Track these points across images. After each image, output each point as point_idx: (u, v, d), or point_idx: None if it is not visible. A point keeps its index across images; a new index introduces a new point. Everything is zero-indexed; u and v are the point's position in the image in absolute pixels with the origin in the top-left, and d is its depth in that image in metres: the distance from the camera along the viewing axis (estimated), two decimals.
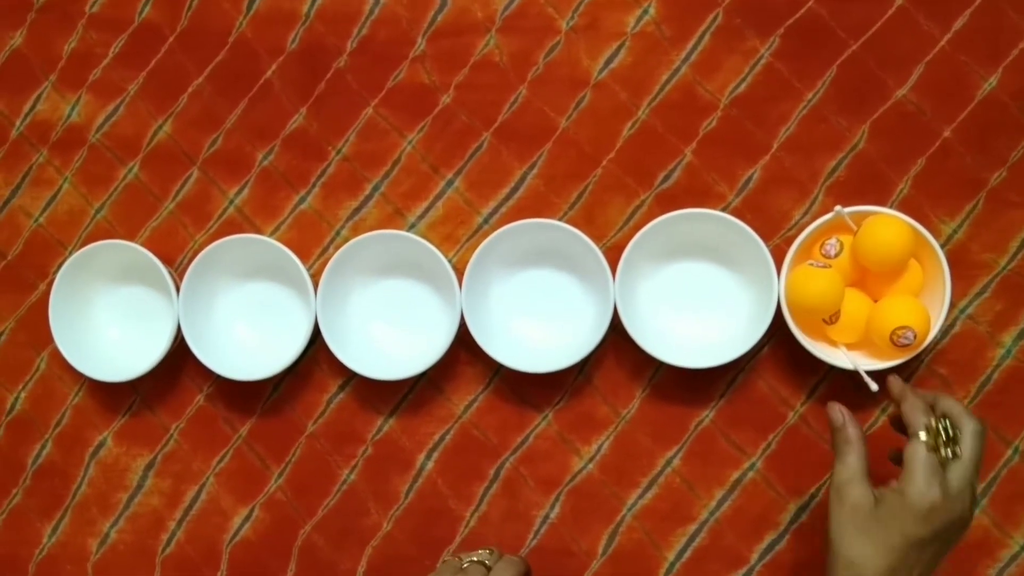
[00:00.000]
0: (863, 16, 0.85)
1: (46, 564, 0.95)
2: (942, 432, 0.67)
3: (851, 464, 0.69)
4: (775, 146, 0.86)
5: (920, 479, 0.65)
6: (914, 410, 0.69)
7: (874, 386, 0.76)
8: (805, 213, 0.85)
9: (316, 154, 0.92)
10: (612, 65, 0.88)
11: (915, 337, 0.75)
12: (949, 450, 0.66)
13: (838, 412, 0.72)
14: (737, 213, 0.82)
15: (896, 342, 0.75)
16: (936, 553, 0.66)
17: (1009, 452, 0.82)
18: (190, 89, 0.94)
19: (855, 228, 0.78)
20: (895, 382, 0.73)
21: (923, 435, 0.67)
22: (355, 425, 0.90)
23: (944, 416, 0.68)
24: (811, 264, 0.78)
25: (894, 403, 0.72)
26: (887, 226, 0.76)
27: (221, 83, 0.93)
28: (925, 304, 0.79)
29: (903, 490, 0.66)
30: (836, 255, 0.78)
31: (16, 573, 0.95)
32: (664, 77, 0.87)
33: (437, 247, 0.84)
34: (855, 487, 0.68)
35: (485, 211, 0.89)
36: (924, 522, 0.64)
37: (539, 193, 0.89)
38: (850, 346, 0.81)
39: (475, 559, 0.75)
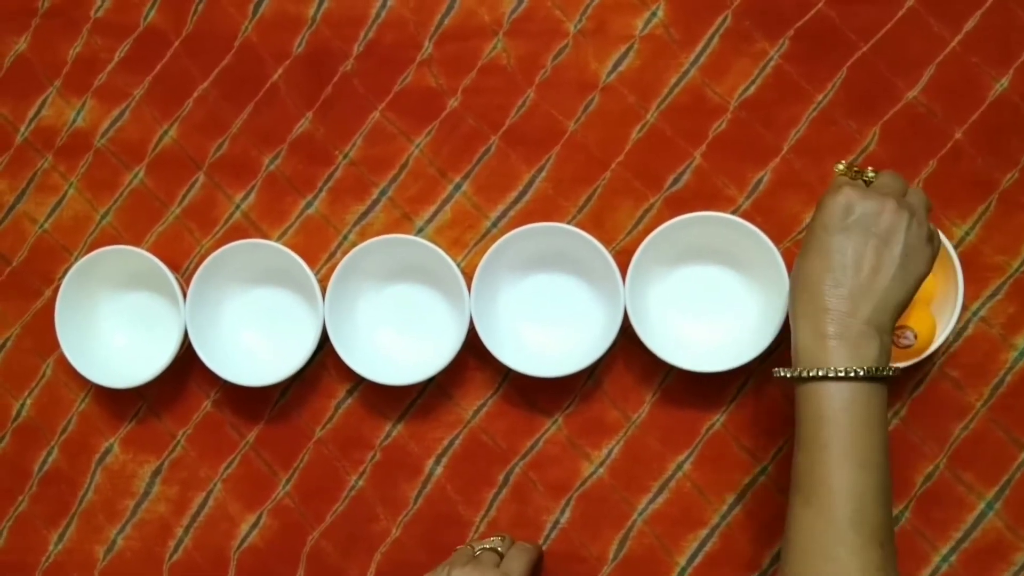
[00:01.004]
0: (873, 18, 0.85)
1: (53, 571, 0.94)
2: (859, 170, 0.71)
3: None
4: (785, 149, 0.85)
5: (831, 189, 0.67)
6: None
7: (905, 343, 0.76)
8: None
9: (323, 159, 0.91)
10: (620, 68, 0.88)
11: (915, 338, 0.75)
12: (863, 179, 0.71)
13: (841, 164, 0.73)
14: (747, 216, 0.82)
15: (896, 343, 0.75)
16: (878, 251, 0.65)
17: (1023, 455, 0.82)
18: (195, 94, 0.93)
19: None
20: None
21: (842, 165, 0.72)
22: (363, 431, 0.90)
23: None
24: None
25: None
26: None
27: (227, 88, 0.93)
28: (937, 306, 0.79)
29: (820, 202, 0.67)
30: None
31: None
32: (673, 80, 0.87)
33: (445, 252, 0.84)
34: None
35: (493, 215, 0.89)
36: (840, 209, 0.66)
37: (547, 197, 0.88)
38: None
39: (487, 547, 0.75)
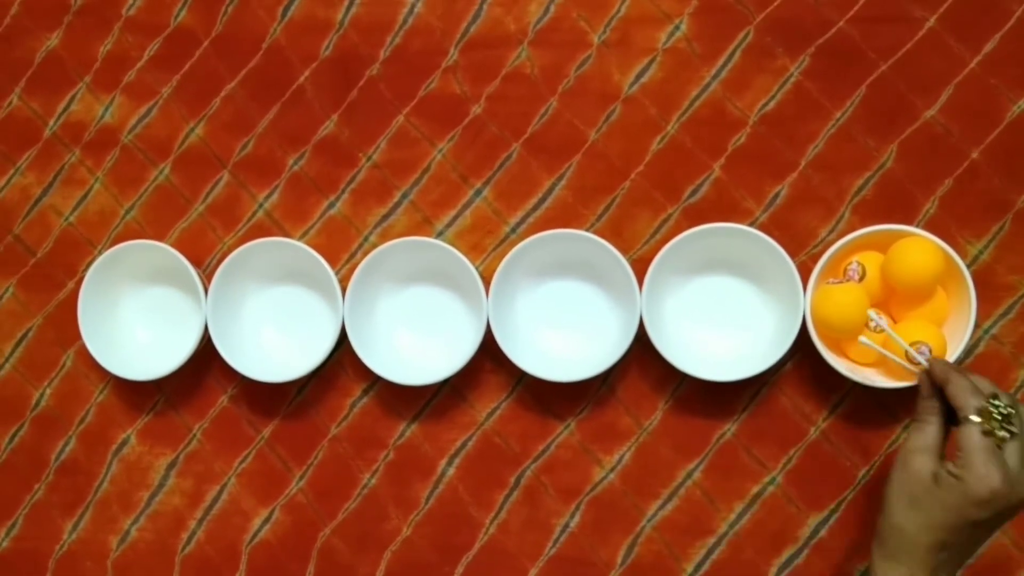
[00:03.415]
0: (893, 37, 0.86)
1: (66, 560, 0.95)
2: (995, 412, 0.65)
3: (927, 433, 0.68)
4: (803, 164, 0.86)
5: (979, 464, 0.64)
6: (963, 391, 0.67)
7: (920, 359, 0.74)
8: (831, 231, 0.85)
9: (347, 161, 0.93)
10: (643, 80, 0.89)
11: (930, 353, 0.75)
12: (1005, 431, 0.65)
13: (928, 382, 0.70)
14: (764, 229, 0.83)
15: (911, 359, 0.75)
16: (990, 531, 0.66)
17: None
18: (223, 93, 0.95)
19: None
20: (938, 362, 0.72)
21: (976, 417, 0.65)
22: (378, 430, 0.91)
23: (995, 396, 0.66)
24: (830, 282, 0.79)
25: (935, 384, 0.70)
26: (919, 248, 0.76)
27: (254, 88, 0.95)
28: (950, 324, 0.79)
29: (961, 476, 0.64)
30: (860, 279, 0.79)
31: (37, 568, 0.96)
32: (694, 93, 0.88)
33: (465, 255, 0.85)
34: (922, 456, 0.67)
35: (513, 221, 0.90)
36: (984, 506, 0.63)
37: (567, 204, 0.89)
38: (869, 366, 0.81)
39: None
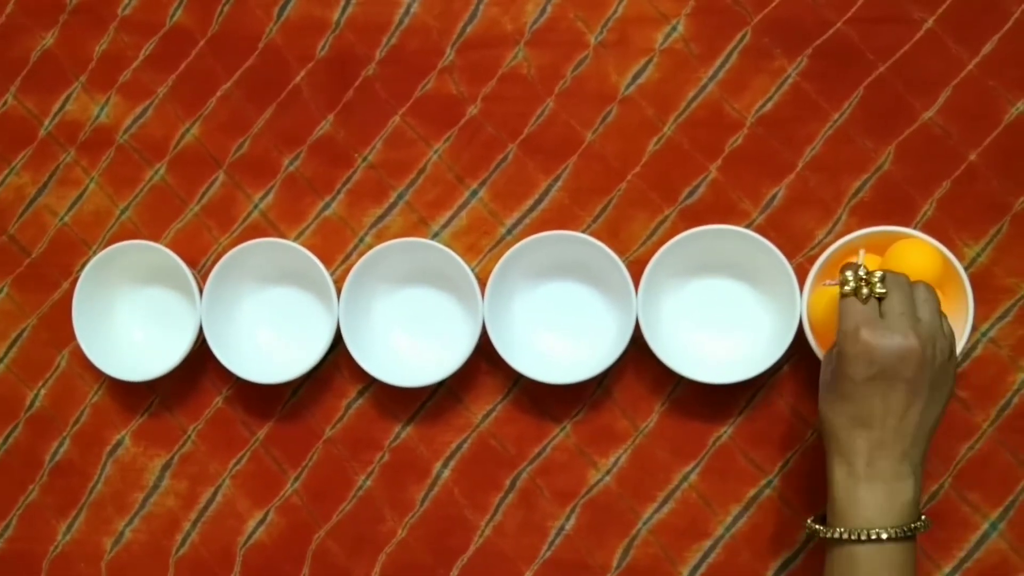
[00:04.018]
0: (891, 38, 0.85)
1: (60, 562, 0.95)
2: (863, 277, 0.68)
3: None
4: (800, 165, 0.86)
5: (845, 320, 0.67)
6: (843, 269, 0.70)
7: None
8: (829, 233, 0.85)
9: (342, 161, 0.92)
10: (639, 81, 0.88)
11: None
12: (868, 290, 0.68)
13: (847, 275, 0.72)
14: (761, 231, 0.82)
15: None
16: (908, 397, 0.65)
17: None
18: (219, 93, 0.95)
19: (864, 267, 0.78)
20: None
21: (843, 284, 0.69)
22: (373, 432, 0.91)
23: (864, 268, 0.69)
24: (827, 284, 0.78)
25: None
26: (917, 250, 0.76)
27: (250, 88, 0.94)
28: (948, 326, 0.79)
29: (838, 340, 0.67)
30: None
31: (30, 570, 0.95)
32: (691, 94, 0.88)
33: (460, 256, 0.84)
34: (827, 354, 0.72)
35: (509, 222, 0.90)
36: (862, 361, 0.65)
37: (563, 206, 0.89)
38: None
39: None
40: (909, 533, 0.65)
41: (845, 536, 0.66)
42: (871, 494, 0.66)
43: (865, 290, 0.68)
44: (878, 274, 0.69)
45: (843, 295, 0.69)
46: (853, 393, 0.66)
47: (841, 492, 0.67)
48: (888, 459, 0.66)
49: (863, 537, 0.65)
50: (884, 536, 0.65)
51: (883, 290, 0.68)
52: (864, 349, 0.65)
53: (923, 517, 0.67)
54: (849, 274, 0.69)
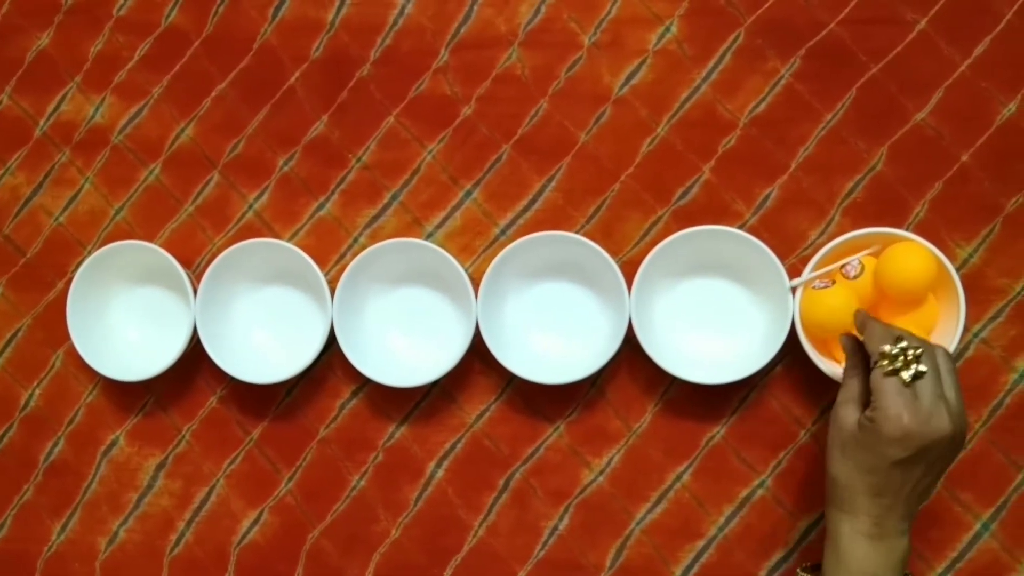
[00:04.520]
0: (884, 40, 0.86)
1: (54, 561, 0.95)
2: (900, 353, 0.67)
3: (850, 386, 0.72)
4: (793, 166, 0.86)
5: (887, 404, 0.66)
6: (872, 338, 0.70)
7: (851, 271, 0.78)
8: (821, 233, 0.85)
9: (337, 161, 0.92)
10: (633, 81, 0.89)
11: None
12: (912, 370, 0.66)
13: (850, 339, 0.74)
14: (754, 231, 0.83)
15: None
16: (926, 471, 0.67)
17: (1020, 476, 0.82)
18: (213, 94, 0.95)
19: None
20: (860, 314, 0.75)
21: (883, 360, 0.68)
22: (367, 432, 0.91)
23: (901, 339, 0.68)
24: (815, 286, 0.78)
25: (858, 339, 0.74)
26: (912, 253, 0.76)
27: (244, 89, 0.94)
28: (939, 327, 0.79)
29: (874, 417, 0.67)
30: (856, 276, 0.78)
31: (25, 570, 0.95)
32: (684, 95, 0.88)
33: (454, 257, 0.84)
34: (847, 408, 0.70)
35: (503, 223, 0.90)
36: (899, 445, 0.65)
37: (557, 206, 0.89)
38: None
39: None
40: None
41: None
42: (873, 550, 0.68)
43: (908, 373, 0.66)
44: (913, 349, 0.67)
45: (884, 373, 0.67)
46: (877, 468, 0.67)
47: (844, 544, 0.69)
48: (893, 520, 0.68)
49: None
50: None
51: (924, 370, 0.66)
52: (904, 435, 0.65)
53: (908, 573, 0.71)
54: (888, 349, 0.68)
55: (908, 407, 0.65)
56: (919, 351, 0.67)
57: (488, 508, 0.89)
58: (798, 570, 0.73)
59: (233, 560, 0.92)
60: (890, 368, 0.67)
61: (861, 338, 0.72)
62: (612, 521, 0.87)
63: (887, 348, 0.68)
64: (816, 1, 0.86)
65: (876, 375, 0.68)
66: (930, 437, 0.65)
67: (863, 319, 0.73)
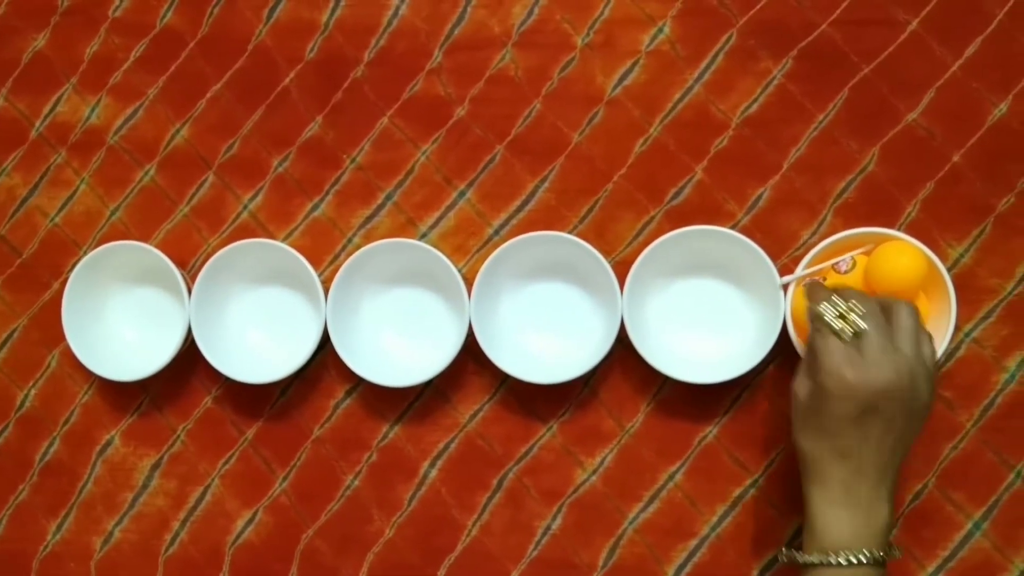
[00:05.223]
0: (876, 40, 0.86)
1: (50, 561, 0.95)
2: (836, 311, 0.68)
3: (804, 359, 0.73)
4: (785, 166, 0.86)
5: (827, 362, 0.67)
6: (811, 300, 0.71)
7: (843, 267, 0.77)
8: (813, 234, 0.85)
9: (331, 162, 0.93)
10: (626, 82, 0.89)
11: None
12: (848, 326, 0.68)
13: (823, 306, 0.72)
14: (746, 231, 0.83)
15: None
16: (886, 428, 0.66)
17: (1011, 476, 0.82)
18: (208, 95, 0.95)
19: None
20: (807, 284, 0.75)
21: (818, 321, 0.69)
22: (361, 431, 0.91)
23: (838, 300, 0.69)
24: (804, 285, 0.79)
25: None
26: (903, 253, 0.76)
27: (239, 90, 0.95)
28: (931, 327, 0.79)
29: (819, 379, 0.67)
30: (848, 271, 0.79)
31: (20, 569, 0.96)
32: (677, 95, 0.88)
33: (448, 257, 0.85)
34: (799, 379, 0.72)
35: (496, 223, 0.90)
36: (846, 400, 0.66)
37: (550, 207, 0.89)
38: None
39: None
40: (884, 557, 0.67)
41: (822, 560, 0.67)
42: (849, 519, 0.67)
43: (848, 330, 0.68)
44: (855, 307, 0.69)
45: (816, 328, 0.69)
46: (833, 428, 0.67)
47: (819, 516, 0.69)
48: (865, 486, 0.67)
49: (841, 561, 0.66)
50: (861, 559, 0.66)
51: (864, 327, 0.67)
52: (847, 388, 0.66)
53: (894, 547, 0.69)
54: (824, 308, 0.69)
55: (848, 362, 0.66)
56: (861, 311, 0.68)
57: (482, 508, 0.89)
58: (781, 549, 0.72)
59: (228, 560, 0.92)
60: (828, 328, 0.68)
61: None
62: (605, 520, 0.87)
63: (821, 308, 0.69)
64: (808, 2, 0.87)
65: (815, 337, 0.69)
66: (874, 388, 0.65)
67: (810, 287, 0.73)
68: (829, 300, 0.70)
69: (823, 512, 0.68)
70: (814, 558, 0.68)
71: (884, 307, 0.70)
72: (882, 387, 0.65)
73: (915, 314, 0.70)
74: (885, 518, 0.68)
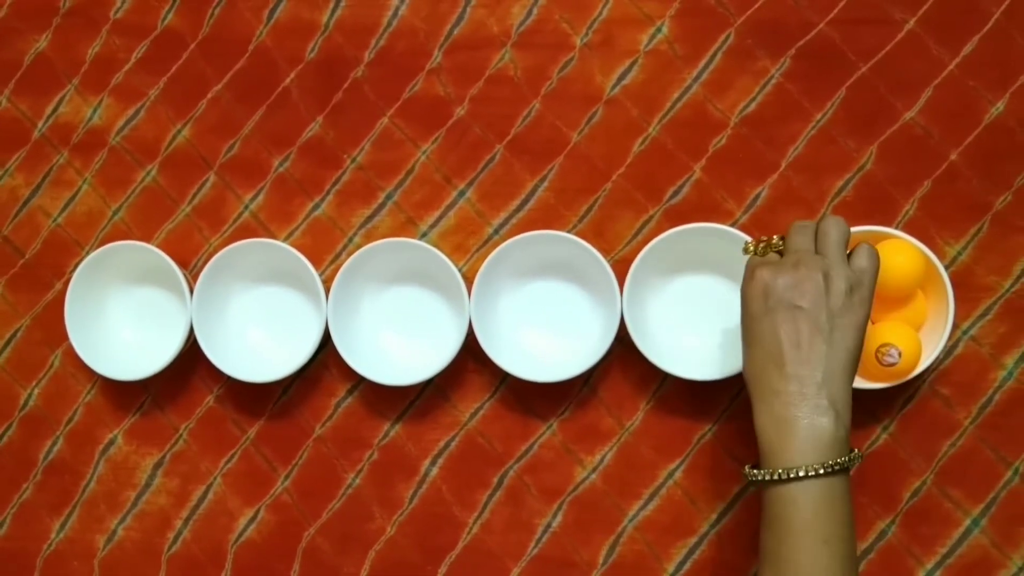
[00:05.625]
0: (873, 39, 0.86)
1: (53, 559, 0.96)
2: (764, 243, 0.72)
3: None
4: (783, 165, 0.87)
5: (746, 274, 0.70)
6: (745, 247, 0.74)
7: (890, 360, 0.76)
8: None
9: (331, 162, 0.93)
10: (624, 82, 0.89)
11: (899, 356, 0.75)
12: (770, 248, 0.72)
13: (748, 243, 0.75)
14: (744, 230, 0.83)
15: (880, 360, 0.76)
16: (808, 323, 0.66)
17: (1009, 473, 0.83)
18: (209, 95, 0.96)
19: None
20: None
21: (746, 252, 0.74)
22: (362, 430, 0.91)
23: (764, 237, 0.73)
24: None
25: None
26: (899, 250, 0.77)
27: (240, 90, 0.95)
28: (928, 325, 0.80)
29: (742, 292, 0.70)
30: None
31: (24, 567, 0.96)
32: (675, 95, 0.89)
33: (448, 256, 0.85)
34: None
35: (496, 222, 0.91)
36: (759, 297, 0.68)
37: (549, 206, 0.90)
38: None
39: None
40: (836, 468, 0.64)
41: (775, 476, 0.65)
42: (793, 432, 0.65)
43: (766, 248, 0.72)
44: (778, 243, 0.72)
45: (745, 251, 0.73)
46: (756, 330, 0.68)
47: (765, 434, 0.67)
48: (804, 395, 0.65)
49: (791, 476, 0.64)
50: (811, 473, 0.64)
51: (781, 244, 0.71)
52: (760, 284, 0.68)
53: (854, 451, 0.66)
54: (750, 241, 0.74)
55: (763, 263, 0.69)
56: (779, 243, 0.72)
57: (482, 506, 0.89)
58: (745, 467, 0.69)
59: (230, 558, 0.93)
60: (756, 251, 0.73)
61: None
62: (605, 518, 0.88)
63: (749, 241, 0.74)
64: (806, 1, 0.87)
65: (747, 260, 0.72)
66: (787, 281, 0.67)
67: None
68: (755, 239, 0.74)
69: (767, 428, 0.67)
70: (763, 475, 0.66)
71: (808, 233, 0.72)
72: (793, 279, 0.67)
73: (842, 227, 0.70)
74: (831, 429, 0.65)
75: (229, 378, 0.89)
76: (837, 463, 0.64)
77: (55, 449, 0.96)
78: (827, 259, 0.68)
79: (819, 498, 0.64)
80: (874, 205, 0.85)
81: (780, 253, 0.72)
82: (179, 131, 0.96)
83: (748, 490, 0.86)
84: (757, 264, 0.69)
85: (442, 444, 0.90)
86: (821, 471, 0.64)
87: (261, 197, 0.94)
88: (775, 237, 0.72)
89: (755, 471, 0.68)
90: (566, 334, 0.88)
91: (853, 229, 0.79)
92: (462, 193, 0.91)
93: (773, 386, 0.67)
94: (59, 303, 0.92)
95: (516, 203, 0.90)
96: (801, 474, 0.64)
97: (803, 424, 0.65)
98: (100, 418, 0.96)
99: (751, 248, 0.74)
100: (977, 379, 0.84)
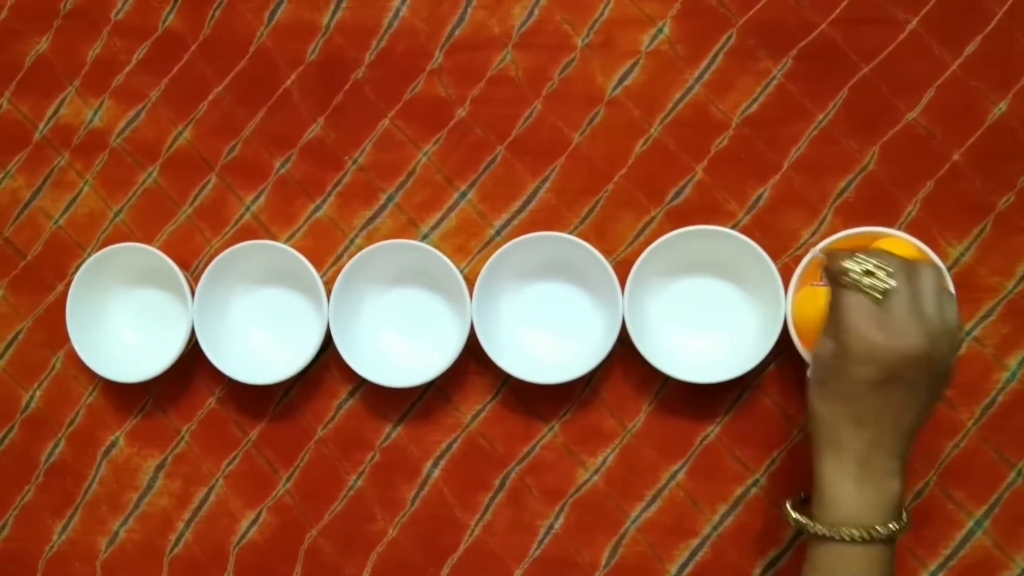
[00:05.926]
0: (875, 40, 0.86)
1: (55, 561, 0.96)
2: (863, 268, 0.64)
3: (827, 321, 0.68)
4: (785, 166, 0.87)
5: (851, 320, 0.63)
6: (834, 258, 0.65)
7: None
8: (814, 233, 0.86)
9: (333, 163, 0.93)
10: (626, 82, 0.89)
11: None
12: (877, 282, 0.63)
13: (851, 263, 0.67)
14: (746, 231, 0.83)
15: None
16: (907, 396, 0.63)
17: (1012, 475, 0.82)
18: (210, 97, 0.95)
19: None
20: (826, 250, 0.72)
21: (844, 277, 0.65)
22: (363, 432, 0.91)
23: (862, 257, 0.65)
24: (814, 284, 0.79)
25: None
26: (903, 252, 0.76)
27: (241, 92, 0.95)
28: None
29: (841, 339, 0.64)
30: None
31: (26, 569, 0.96)
32: (677, 95, 0.88)
33: (449, 258, 0.85)
34: (822, 340, 0.67)
35: (497, 223, 0.90)
36: (869, 364, 0.62)
37: (551, 207, 0.90)
38: None
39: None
40: (895, 533, 0.65)
41: (832, 533, 0.65)
42: (861, 492, 0.65)
43: (878, 285, 0.63)
44: (883, 265, 0.64)
45: (841, 285, 0.65)
46: (853, 393, 0.64)
47: (830, 488, 0.66)
48: (880, 458, 0.64)
49: (848, 536, 0.64)
50: (872, 535, 0.64)
51: (893, 284, 0.63)
52: (872, 351, 0.62)
53: (904, 517, 0.66)
54: (850, 264, 0.64)
55: (875, 322, 0.62)
56: (887, 270, 0.64)
57: (484, 507, 0.89)
58: (787, 506, 0.69)
59: (232, 560, 0.93)
60: (855, 286, 0.64)
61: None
62: (607, 520, 0.88)
63: (847, 264, 0.64)
64: (807, 2, 0.87)
65: (840, 295, 0.64)
66: (900, 352, 0.61)
67: (830, 248, 0.70)
68: (854, 257, 0.65)
69: (834, 483, 0.65)
70: (823, 530, 0.65)
71: (907, 268, 0.65)
72: (908, 353, 0.61)
73: (938, 275, 0.65)
74: (896, 491, 0.65)
75: (230, 380, 0.89)
76: (895, 527, 0.65)
77: (57, 451, 0.96)
78: (935, 322, 0.63)
79: (872, 560, 0.65)
80: (876, 206, 0.85)
81: (879, 287, 0.64)
82: (180, 133, 0.96)
83: (751, 492, 0.85)
84: (867, 320, 0.63)
85: (444, 446, 0.90)
86: (881, 533, 0.64)
87: (262, 198, 0.94)
88: (881, 269, 0.64)
89: (808, 522, 0.67)
90: (568, 335, 0.88)
91: (855, 230, 0.79)
92: (463, 194, 0.91)
93: (850, 444, 0.65)
94: (60, 305, 0.92)
95: (517, 204, 0.90)
96: (862, 535, 0.64)
97: (872, 486, 0.65)
98: (102, 420, 0.96)
99: (851, 272, 0.64)
100: (980, 380, 0.83)
